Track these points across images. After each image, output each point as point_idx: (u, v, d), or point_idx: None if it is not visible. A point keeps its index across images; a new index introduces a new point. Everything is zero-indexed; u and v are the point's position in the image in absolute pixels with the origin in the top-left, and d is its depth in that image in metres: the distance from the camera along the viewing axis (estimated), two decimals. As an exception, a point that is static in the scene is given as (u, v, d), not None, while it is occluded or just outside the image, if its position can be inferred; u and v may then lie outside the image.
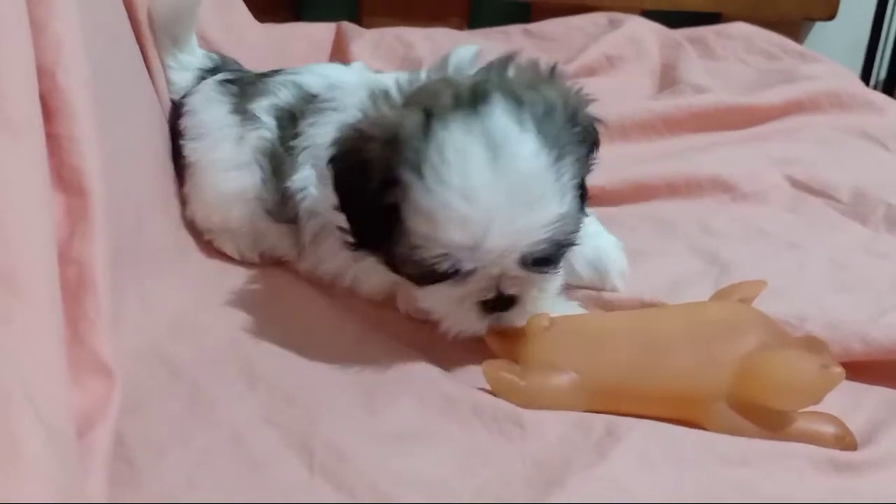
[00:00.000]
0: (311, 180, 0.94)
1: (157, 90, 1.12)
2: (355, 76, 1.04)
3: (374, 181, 0.77)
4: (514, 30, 1.75)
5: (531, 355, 0.78)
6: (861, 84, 1.56)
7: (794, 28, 1.90)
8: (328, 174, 0.85)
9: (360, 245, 0.83)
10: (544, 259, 0.78)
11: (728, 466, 0.68)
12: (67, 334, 0.64)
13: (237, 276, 1.01)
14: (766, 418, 0.72)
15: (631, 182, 1.20)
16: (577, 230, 0.79)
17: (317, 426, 0.72)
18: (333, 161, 0.83)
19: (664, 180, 1.21)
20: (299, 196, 0.94)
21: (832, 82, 1.47)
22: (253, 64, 1.27)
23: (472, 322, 0.81)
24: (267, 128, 1.00)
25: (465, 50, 0.88)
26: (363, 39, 1.64)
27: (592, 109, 0.85)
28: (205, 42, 1.37)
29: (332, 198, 0.85)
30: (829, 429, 0.72)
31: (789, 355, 0.73)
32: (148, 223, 0.96)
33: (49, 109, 0.73)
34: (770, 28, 1.73)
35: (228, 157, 1.02)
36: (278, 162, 0.98)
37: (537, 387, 0.75)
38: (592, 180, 1.18)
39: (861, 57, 1.97)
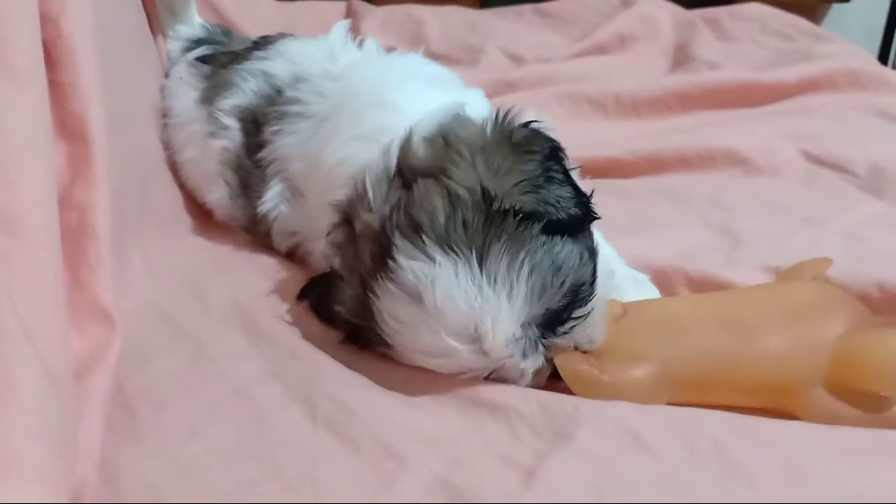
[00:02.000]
0: (280, 197, 0.89)
1: (161, 57, 1.11)
2: (319, 63, 0.96)
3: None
4: (527, 9, 1.74)
5: (607, 346, 0.71)
6: (878, 64, 1.54)
7: (811, 10, 1.88)
8: (299, 189, 0.85)
9: None
10: (564, 316, 0.69)
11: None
12: (68, 280, 0.63)
13: (240, 242, 1.00)
14: (865, 403, 0.66)
15: (643, 154, 1.19)
16: (577, 262, 0.69)
17: (321, 381, 0.71)
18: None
19: (677, 153, 1.19)
20: (272, 217, 0.91)
21: (849, 61, 1.45)
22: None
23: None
24: (230, 136, 0.95)
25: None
26: (373, 16, 1.63)
27: (523, 127, 0.75)
28: (216, 13, 1.36)
29: (305, 214, 0.84)
30: None
31: (889, 336, 0.68)
32: (153, 186, 0.96)
33: (52, 57, 0.72)
34: (786, 10, 1.71)
35: (196, 160, 1.00)
36: (246, 176, 0.94)
37: (619, 380, 0.68)
38: (604, 152, 1.19)
39: (878, 39, 1.94)
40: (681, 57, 1.56)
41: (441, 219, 0.67)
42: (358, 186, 0.75)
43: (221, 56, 1.06)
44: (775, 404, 0.69)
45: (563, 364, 0.69)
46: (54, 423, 0.51)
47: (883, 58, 1.94)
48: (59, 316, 0.58)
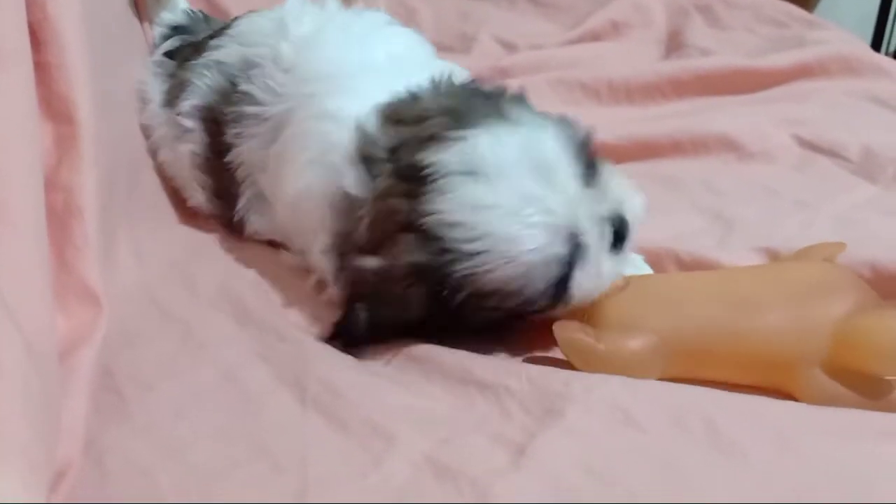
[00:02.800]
0: (250, 205, 0.88)
1: (148, 44, 1.11)
2: (269, 41, 0.90)
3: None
4: (521, -4, 1.73)
5: (605, 316, 0.71)
6: (870, 50, 1.53)
7: (804, -2, 1.87)
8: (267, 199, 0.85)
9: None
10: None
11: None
12: (54, 261, 0.63)
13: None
14: (864, 386, 0.65)
15: (636, 139, 1.18)
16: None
17: (310, 363, 0.71)
18: (357, 306, 0.73)
19: (670, 138, 1.18)
20: (244, 218, 0.90)
21: (842, 47, 1.44)
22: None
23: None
24: (194, 139, 0.92)
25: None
26: (363, 2, 1.62)
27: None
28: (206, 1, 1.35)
29: (276, 223, 0.85)
30: None
31: (891, 317, 0.66)
32: (142, 172, 0.95)
33: (38, 39, 0.72)
34: (780, -2, 1.70)
35: (170, 162, 0.98)
36: (220, 178, 0.91)
37: (614, 350, 0.68)
38: (597, 137, 1.18)
39: (871, 28, 1.94)
40: (674, 44, 1.56)
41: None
42: (335, 221, 0.75)
43: (184, 49, 1.02)
44: (771, 382, 0.67)
45: (561, 332, 0.69)
46: (38, 402, 0.51)
47: (875, 45, 1.94)
48: (45, 296, 0.58)
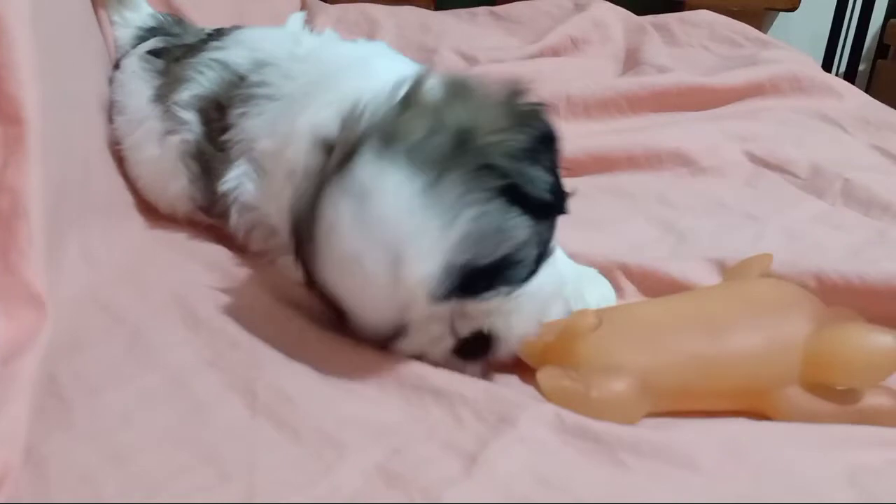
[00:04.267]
0: (245, 176, 0.89)
1: (107, 45, 1.09)
2: (283, 47, 0.94)
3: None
4: (482, 11, 1.75)
5: (584, 358, 0.68)
6: (821, 70, 1.58)
7: (757, 18, 1.92)
8: (264, 168, 0.84)
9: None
10: (484, 283, 0.67)
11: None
12: (-2, 263, 0.61)
13: (183, 234, 0.98)
14: (836, 397, 0.66)
15: (591, 153, 1.20)
16: (523, 239, 0.69)
17: (261, 370, 0.70)
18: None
19: (625, 152, 1.20)
20: (232, 196, 0.90)
21: (793, 66, 1.48)
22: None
23: (462, 369, 0.70)
24: (189, 129, 0.94)
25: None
26: (327, 14, 1.62)
27: (531, 97, 0.75)
28: (164, 2, 1.34)
29: (268, 192, 0.83)
30: (887, 402, 0.67)
31: (860, 331, 0.67)
32: (96, 173, 0.94)
33: (-16, 38, 0.70)
34: (734, 17, 1.74)
35: (153, 158, 0.98)
36: (207, 160, 0.93)
37: (604, 396, 0.65)
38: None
39: (822, 48, 1.99)
40: (631, 61, 1.58)
41: (415, 136, 0.66)
42: (352, 111, 0.70)
43: (175, 49, 1.03)
44: (750, 406, 0.68)
45: (546, 381, 0.67)
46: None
47: (827, 65, 1.99)
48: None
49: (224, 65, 0.94)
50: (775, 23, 1.96)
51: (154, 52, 1.03)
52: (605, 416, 0.63)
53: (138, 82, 1.00)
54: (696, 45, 1.68)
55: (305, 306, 0.80)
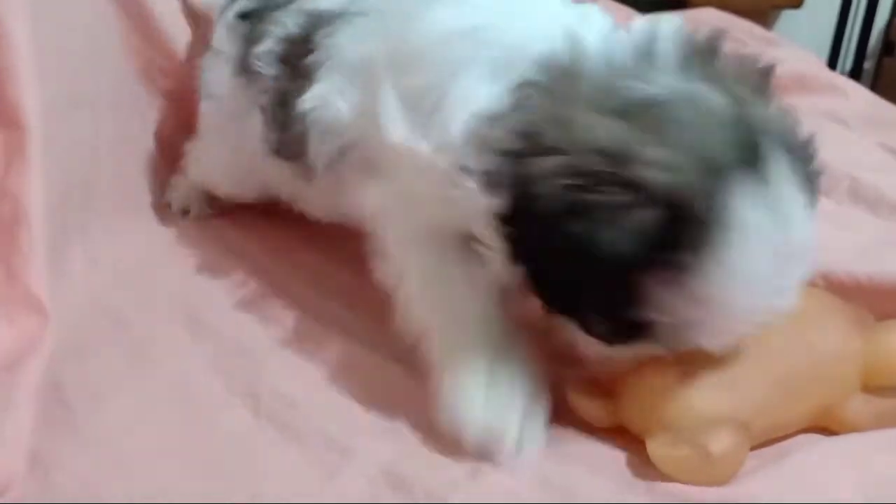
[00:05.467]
0: (331, 93, 0.74)
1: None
2: None
3: (630, 253, 0.54)
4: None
5: (676, 415, 0.61)
6: (826, 68, 1.57)
7: (763, 16, 1.91)
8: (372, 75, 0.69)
9: (550, 303, 0.61)
10: None
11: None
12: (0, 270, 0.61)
13: (188, 236, 0.97)
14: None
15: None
16: None
17: (264, 375, 0.70)
18: (563, 212, 0.55)
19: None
20: (310, 117, 0.75)
21: (798, 65, 1.47)
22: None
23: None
24: (268, 76, 0.82)
25: (668, 26, 0.61)
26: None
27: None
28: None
29: (368, 107, 0.69)
30: None
31: None
32: (103, 177, 0.92)
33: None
34: (738, 15, 1.74)
35: (233, 137, 0.89)
36: (285, 93, 0.80)
37: (725, 450, 0.58)
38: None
39: (828, 46, 1.99)
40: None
41: (788, 135, 0.60)
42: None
43: (262, 9, 0.88)
44: (817, 424, 0.66)
45: (658, 451, 0.59)
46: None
47: (832, 63, 1.98)
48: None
49: (313, 12, 0.81)
50: (780, 20, 1.96)
51: (242, 15, 0.90)
52: (728, 473, 0.59)
53: (220, 58, 0.90)
54: (702, 45, 1.68)
55: (314, 309, 0.80)
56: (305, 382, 0.70)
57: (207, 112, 0.94)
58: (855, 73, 2.00)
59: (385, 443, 0.63)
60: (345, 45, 0.75)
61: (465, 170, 0.61)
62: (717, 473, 0.59)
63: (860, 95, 1.46)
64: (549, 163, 0.56)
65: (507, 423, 0.61)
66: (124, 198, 0.98)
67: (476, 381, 0.63)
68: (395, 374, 0.70)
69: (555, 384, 0.65)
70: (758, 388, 0.62)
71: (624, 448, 0.62)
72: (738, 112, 0.56)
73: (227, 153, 0.92)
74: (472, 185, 0.60)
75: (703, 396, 0.61)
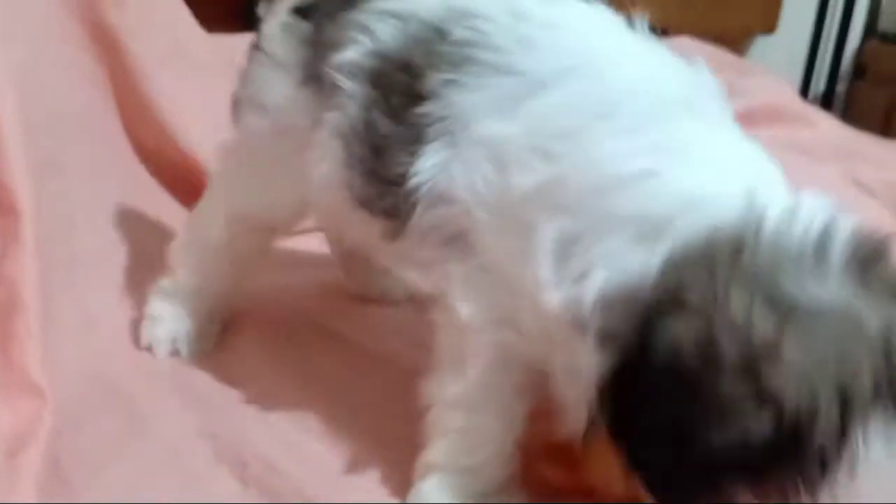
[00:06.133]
0: (448, 162, 0.65)
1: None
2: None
3: (741, 458, 0.51)
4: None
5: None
6: (797, 98, 1.62)
7: (737, 42, 1.95)
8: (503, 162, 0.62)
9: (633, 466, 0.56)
10: None
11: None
12: (-1, 357, 0.65)
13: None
14: None
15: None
16: None
17: (249, 439, 0.74)
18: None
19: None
20: (424, 188, 0.66)
21: (768, 97, 1.52)
22: (199, 73, 1.25)
23: None
24: (352, 98, 0.70)
25: (846, 224, 0.55)
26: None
27: None
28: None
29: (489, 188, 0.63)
30: None
31: None
32: (81, 229, 0.95)
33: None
34: (714, 41, 1.78)
35: (291, 154, 0.76)
36: (381, 138, 0.69)
37: None
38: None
39: (801, 69, 2.03)
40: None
41: None
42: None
43: (326, 5, 0.76)
44: None
45: None
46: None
47: (805, 86, 2.03)
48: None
49: (402, 17, 0.70)
50: (754, 45, 2.00)
51: (300, 11, 0.78)
52: None
53: (278, 68, 0.77)
54: (677, 74, 1.72)
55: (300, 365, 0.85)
56: (288, 444, 0.74)
57: (254, 125, 0.80)
58: (827, 97, 2.05)
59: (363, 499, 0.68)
60: (473, 116, 0.64)
61: (583, 325, 0.57)
62: None
63: (829, 126, 1.51)
64: (682, 325, 0.52)
65: None
66: (107, 247, 0.98)
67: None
68: (373, 437, 0.74)
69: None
70: None
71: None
72: (888, 338, 0.52)
73: (280, 176, 0.79)
74: (583, 342, 0.57)
75: None
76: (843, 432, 0.49)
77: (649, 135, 0.60)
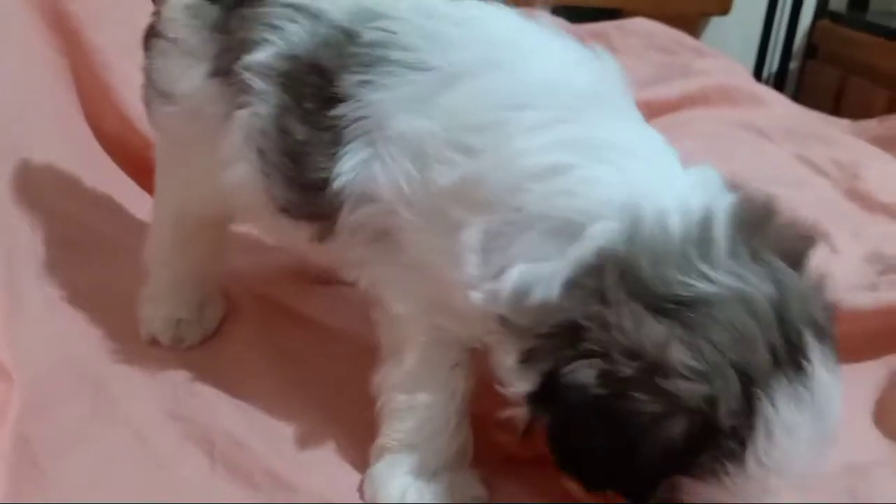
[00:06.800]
0: (368, 163, 0.66)
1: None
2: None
3: (659, 462, 0.56)
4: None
5: None
6: (750, 79, 1.66)
7: (692, 23, 1.99)
8: (397, 154, 0.64)
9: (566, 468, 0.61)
10: None
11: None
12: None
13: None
14: None
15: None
16: None
17: (218, 418, 0.76)
18: (596, 412, 0.56)
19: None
20: (348, 190, 0.67)
21: (722, 78, 1.56)
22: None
23: None
24: (263, 99, 0.70)
25: (724, 202, 0.60)
26: None
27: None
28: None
29: (413, 188, 0.64)
30: None
31: None
32: (46, 219, 0.96)
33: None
34: (669, 23, 1.81)
35: (206, 153, 0.75)
36: (297, 143, 0.69)
37: None
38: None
39: (755, 49, 2.08)
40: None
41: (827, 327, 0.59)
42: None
43: None
44: None
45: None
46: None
47: (759, 66, 2.07)
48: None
49: (313, 15, 0.70)
50: (709, 27, 2.04)
51: None
52: None
53: (184, 55, 0.76)
54: (633, 54, 1.74)
55: (265, 346, 0.87)
56: (255, 422, 0.76)
57: (165, 116, 0.79)
58: (781, 75, 2.09)
59: (325, 478, 0.70)
60: (391, 114, 0.66)
61: (504, 322, 0.61)
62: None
63: (781, 106, 1.56)
64: (583, 372, 0.56)
65: None
66: (79, 239, 1.01)
67: (405, 480, 0.69)
68: (337, 414, 0.76)
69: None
70: None
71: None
72: (779, 306, 0.56)
73: (200, 164, 0.78)
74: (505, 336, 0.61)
75: None
76: (749, 408, 0.54)
77: (561, 129, 0.62)
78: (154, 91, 0.79)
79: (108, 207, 1.07)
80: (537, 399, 0.59)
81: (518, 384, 0.60)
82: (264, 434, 0.74)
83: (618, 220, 0.58)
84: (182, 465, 0.71)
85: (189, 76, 0.75)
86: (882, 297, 0.87)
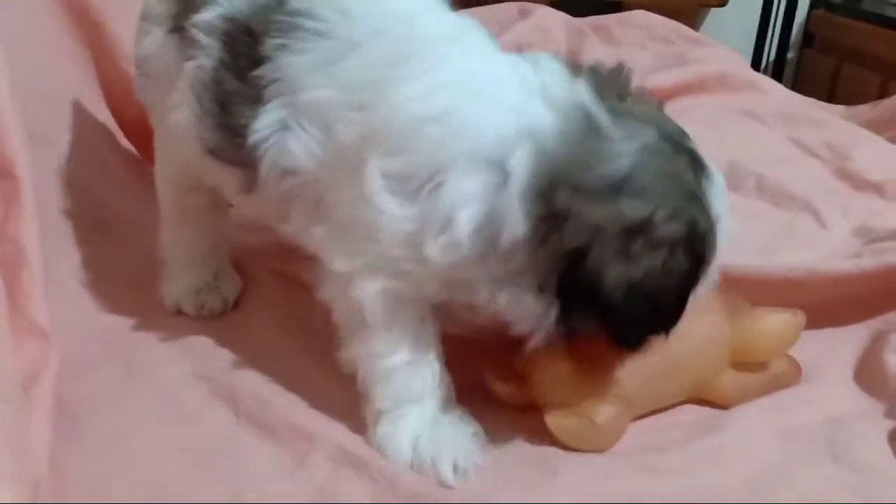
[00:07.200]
0: (283, 128, 0.74)
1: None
2: None
3: (688, 289, 0.70)
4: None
5: (569, 392, 0.74)
6: (747, 67, 1.70)
7: (691, 15, 2.03)
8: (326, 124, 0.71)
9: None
10: None
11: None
12: (7, 305, 0.71)
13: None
14: (757, 372, 0.81)
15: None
16: None
17: (241, 378, 0.81)
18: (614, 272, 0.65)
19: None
20: (263, 147, 0.74)
21: (720, 65, 1.60)
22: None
23: None
24: (208, 54, 0.79)
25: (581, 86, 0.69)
26: None
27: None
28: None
29: (326, 156, 0.72)
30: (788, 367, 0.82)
31: (768, 316, 0.81)
32: (73, 200, 1.01)
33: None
34: (668, 15, 1.86)
35: (165, 105, 0.84)
36: (227, 94, 0.77)
37: (608, 424, 0.73)
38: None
39: (752, 39, 2.12)
40: (573, 62, 1.69)
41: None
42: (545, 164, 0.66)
43: None
44: (696, 395, 0.80)
45: (554, 422, 0.73)
46: (14, 432, 0.60)
47: (757, 56, 2.11)
48: (4, 341, 0.66)
49: None
50: (707, 18, 2.08)
51: None
52: (611, 439, 0.74)
53: (152, 22, 0.87)
54: (634, 45, 1.79)
55: (279, 315, 0.92)
56: (275, 381, 0.81)
57: (143, 87, 0.91)
58: (779, 65, 2.13)
59: (342, 428, 0.75)
60: (300, 78, 0.73)
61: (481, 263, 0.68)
62: (602, 439, 0.73)
63: (777, 92, 1.60)
64: (597, 265, 0.65)
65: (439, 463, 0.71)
66: (106, 218, 1.06)
67: (412, 432, 0.73)
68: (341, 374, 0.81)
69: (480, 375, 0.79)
70: (638, 368, 0.75)
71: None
72: (665, 137, 0.69)
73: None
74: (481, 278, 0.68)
75: (592, 377, 0.75)
76: (710, 217, 0.69)
77: (438, 74, 0.70)
78: (138, 69, 0.91)
79: (132, 191, 1.13)
80: (566, 313, 0.68)
81: (540, 312, 0.68)
82: (284, 393, 0.80)
83: (525, 145, 0.66)
84: (209, 420, 0.76)
85: (153, 37, 0.86)
86: (865, 264, 0.91)
